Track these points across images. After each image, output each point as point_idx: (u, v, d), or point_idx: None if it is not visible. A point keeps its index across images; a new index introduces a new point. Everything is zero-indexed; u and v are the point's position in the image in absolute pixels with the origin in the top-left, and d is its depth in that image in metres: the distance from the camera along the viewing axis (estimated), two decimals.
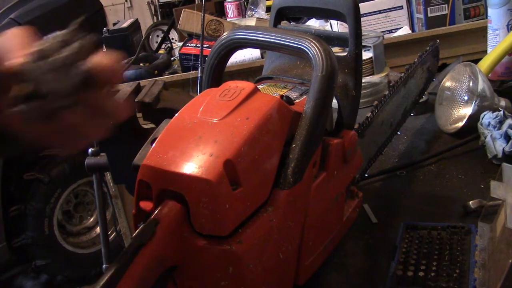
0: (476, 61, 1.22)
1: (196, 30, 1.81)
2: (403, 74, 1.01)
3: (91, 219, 2.83)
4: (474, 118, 1.01)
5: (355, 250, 0.77)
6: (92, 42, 0.45)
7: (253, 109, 0.58)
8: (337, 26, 1.64)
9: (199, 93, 0.68)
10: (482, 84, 1.02)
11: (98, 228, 2.34)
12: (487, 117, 0.97)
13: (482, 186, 0.87)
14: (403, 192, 0.91)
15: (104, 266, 1.69)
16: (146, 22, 3.50)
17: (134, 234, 0.52)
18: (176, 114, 0.60)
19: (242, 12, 2.10)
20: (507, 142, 0.90)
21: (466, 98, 1.10)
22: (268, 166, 0.58)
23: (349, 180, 0.75)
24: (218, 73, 0.74)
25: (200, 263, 0.55)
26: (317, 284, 0.71)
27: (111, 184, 2.02)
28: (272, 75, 0.81)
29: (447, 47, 1.53)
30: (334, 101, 0.70)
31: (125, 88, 0.96)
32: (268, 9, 2.02)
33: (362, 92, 0.79)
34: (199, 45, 1.71)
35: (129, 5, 4.30)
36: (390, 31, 1.71)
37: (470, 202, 0.80)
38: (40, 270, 2.66)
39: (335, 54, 0.66)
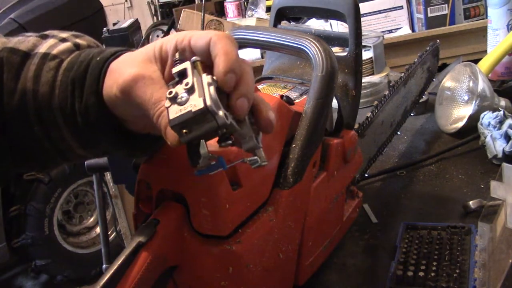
0: (476, 61, 1.22)
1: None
2: (403, 74, 1.01)
3: (91, 219, 2.84)
4: (474, 118, 1.01)
5: (355, 250, 0.77)
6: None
7: None
8: (337, 26, 1.63)
9: None
10: (482, 84, 1.02)
11: (98, 228, 2.34)
12: (487, 117, 0.97)
13: (482, 186, 0.87)
14: (403, 192, 0.91)
15: (104, 266, 1.70)
16: (146, 22, 3.49)
17: (134, 234, 0.52)
18: None
19: (242, 12, 2.09)
20: (507, 142, 0.90)
21: (466, 98, 1.10)
22: (268, 166, 0.58)
23: (349, 180, 0.75)
24: None
25: (200, 263, 0.55)
26: (317, 284, 0.71)
27: (111, 184, 2.02)
28: (272, 75, 0.81)
29: (447, 47, 1.53)
30: (334, 101, 0.70)
31: None
32: (268, 9, 2.02)
33: (362, 92, 0.79)
34: None
35: (129, 5, 4.29)
36: (390, 31, 1.71)
37: (470, 202, 0.80)
38: (40, 270, 2.66)
39: (335, 54, 0.66)
